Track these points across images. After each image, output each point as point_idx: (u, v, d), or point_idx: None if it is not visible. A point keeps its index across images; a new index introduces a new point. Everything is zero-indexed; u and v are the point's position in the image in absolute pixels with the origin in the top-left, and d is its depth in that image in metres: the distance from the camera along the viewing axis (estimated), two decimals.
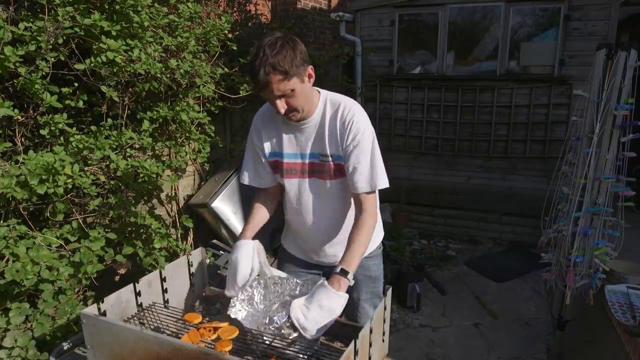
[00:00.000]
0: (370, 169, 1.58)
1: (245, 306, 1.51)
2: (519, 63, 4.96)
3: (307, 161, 1.65)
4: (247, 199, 3.58)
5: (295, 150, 1.66)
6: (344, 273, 1.45)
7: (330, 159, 1.62)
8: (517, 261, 4.61)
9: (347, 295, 1.43)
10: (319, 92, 1.63)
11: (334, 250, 1.79)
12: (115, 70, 2.43)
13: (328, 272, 1.82)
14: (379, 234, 1.84)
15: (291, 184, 1.70)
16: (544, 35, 4.87)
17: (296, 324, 1.33)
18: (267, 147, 1.69)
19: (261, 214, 1.77)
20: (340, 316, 1.48)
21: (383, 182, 1.61)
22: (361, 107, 1.63)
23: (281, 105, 1.48)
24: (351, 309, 1.84)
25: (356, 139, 1.56)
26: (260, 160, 1.72)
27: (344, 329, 1.50)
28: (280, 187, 1.78)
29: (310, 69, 1.51)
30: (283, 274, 1.62)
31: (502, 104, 5.01)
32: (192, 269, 1.72)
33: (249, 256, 1.55)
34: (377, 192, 1.65)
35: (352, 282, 1.47)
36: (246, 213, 3.60)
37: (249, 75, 1.49)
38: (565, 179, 3.02)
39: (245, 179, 1.77)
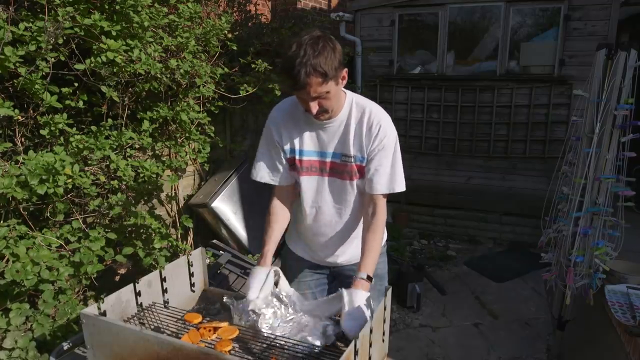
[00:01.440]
0: (390, 171, 1.61)
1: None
2: (519, 63, 4.95)
3: (328, 160, 1.65)
4: (247, 199, 3.58)
5: (316, 148, 1.65)
6: (367, 278, 1.54)
7: (352, 159, 1.62)
8: (517, 261, 4.60)
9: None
10: (345, 92, 1.63)
11: (342, 250, 1.81)
12: (115, 70, 2.43)
13: (335, 273, 1.88)
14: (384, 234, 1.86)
15: (310, 182, 1.69)
16: (544, 35, 4.86)
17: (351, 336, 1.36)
18: (287, 143, 1.66)
19: (280, 225, 1.71)
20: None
21: (401, 186, 1.64)
22: (386, 112, 1.64)
23: (314, 106, 1.47)
24: None
25: (382, 143, 1.59)
26: (280, 157, 1.68)
27: None
28: (294, 187, 1.75)
29: (344, 72, 1.51)
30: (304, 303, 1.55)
31: (502, 104, 5.00)
32: (192, 269, 1.72)
33: (261, 282, 1.52)
34: None
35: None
36: (246, 213, 3.62)
37: (284, 72, 1.42)
38: (565, 179, 3.02)
39: (262, 176, 1.70)
